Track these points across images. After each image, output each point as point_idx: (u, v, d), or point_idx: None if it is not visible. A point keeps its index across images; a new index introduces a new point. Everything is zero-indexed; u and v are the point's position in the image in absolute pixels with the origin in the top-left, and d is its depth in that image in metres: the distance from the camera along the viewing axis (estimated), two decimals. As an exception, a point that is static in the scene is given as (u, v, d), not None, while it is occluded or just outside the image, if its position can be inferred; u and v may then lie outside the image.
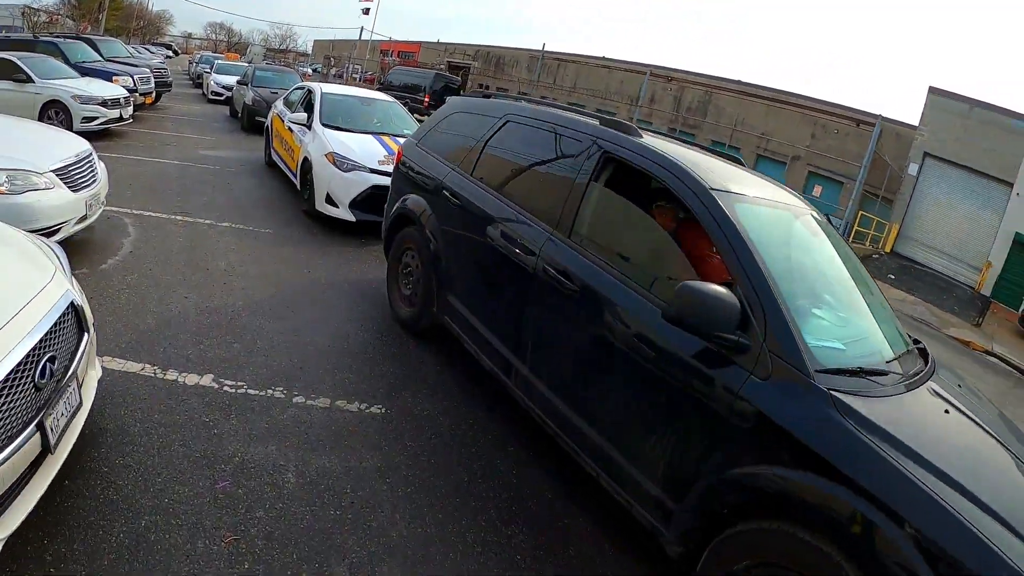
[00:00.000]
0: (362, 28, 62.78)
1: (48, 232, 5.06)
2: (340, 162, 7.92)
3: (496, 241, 4.17)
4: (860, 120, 28.79)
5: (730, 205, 3.20)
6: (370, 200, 7.84)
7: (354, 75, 58.28)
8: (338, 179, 7.86)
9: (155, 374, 3.98)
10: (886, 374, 2.93)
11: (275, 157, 11.10)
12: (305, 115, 9.31)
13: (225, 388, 3.97)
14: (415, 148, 5.57)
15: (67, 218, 5.35)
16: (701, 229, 3.56)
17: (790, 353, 2.63)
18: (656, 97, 37.88)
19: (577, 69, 43.53)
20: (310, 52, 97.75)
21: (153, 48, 51.89)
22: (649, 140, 3.80)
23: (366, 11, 60.11)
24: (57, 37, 17.63)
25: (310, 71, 56.62)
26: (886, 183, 26.67)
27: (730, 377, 2.72)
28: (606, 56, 42.51)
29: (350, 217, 7.87)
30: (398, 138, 8.97)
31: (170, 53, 62.09)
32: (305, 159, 8.68)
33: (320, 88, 10.00)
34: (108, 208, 6.66)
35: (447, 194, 4.76)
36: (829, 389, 2.53)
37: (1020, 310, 21.37)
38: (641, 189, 4.06)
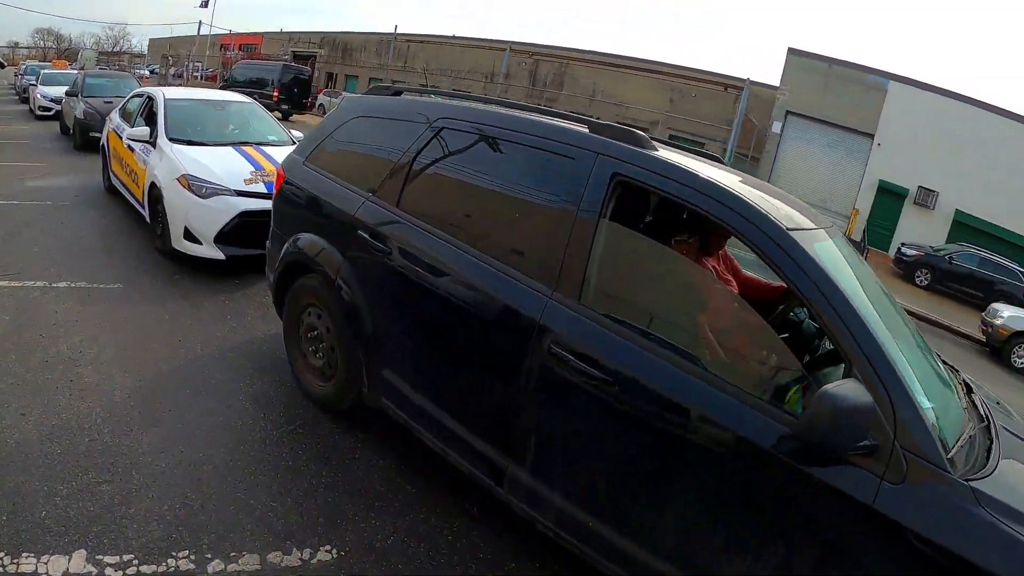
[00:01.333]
0: (200, 22, 57.87)
1: None
2: (197, 186, 6.38)
3: (457, 304, 3.12)
4: (728, 84, 29.57)
5: (814, 250, 2.51)
6: (240, 231, 6.37)
7: (195, 74, 54.00)
8: (197, 208, 6.33)
9: (2, 567, 2.64)
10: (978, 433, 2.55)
11: (116, 182, 9.11)
12: (147, 129, 7.59)
13: (107, 571, 2.66)
14: (302, 168, 4.25)
15: None
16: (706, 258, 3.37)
17: (925, 446, 2.10)
18: (511, 72, 37.54)
19: (428, 50, 42.30)
20: (147, 53, 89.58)
21: (-29, 63, 46.32)
22: (668, 155, 2.90)
23: (204, 3, 55.19)
24: None
25: (147, 73, 52.13)
26: (754, 143, 27.50)
27: (855, 487, 2.12)
28: (455, 35, 41.81)
29: (218, 255, 6.37)
30: (263, 147, 7.54)
31: None
32: (152, 185, 7.01)
33: (162, 94, 8.23)
34: None
35: (366, 236, 3.55)
36: (967, 481, 2.07)
37: (893, 253, 22.44)
38: (658, 219, 3.17)
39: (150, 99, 8.37)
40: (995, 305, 15.74)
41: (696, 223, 3.44)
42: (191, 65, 56.35)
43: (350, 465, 3.64)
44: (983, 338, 14.96)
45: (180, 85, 35.17)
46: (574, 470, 2.77)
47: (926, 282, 20.54)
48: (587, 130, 3.05)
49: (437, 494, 3.50)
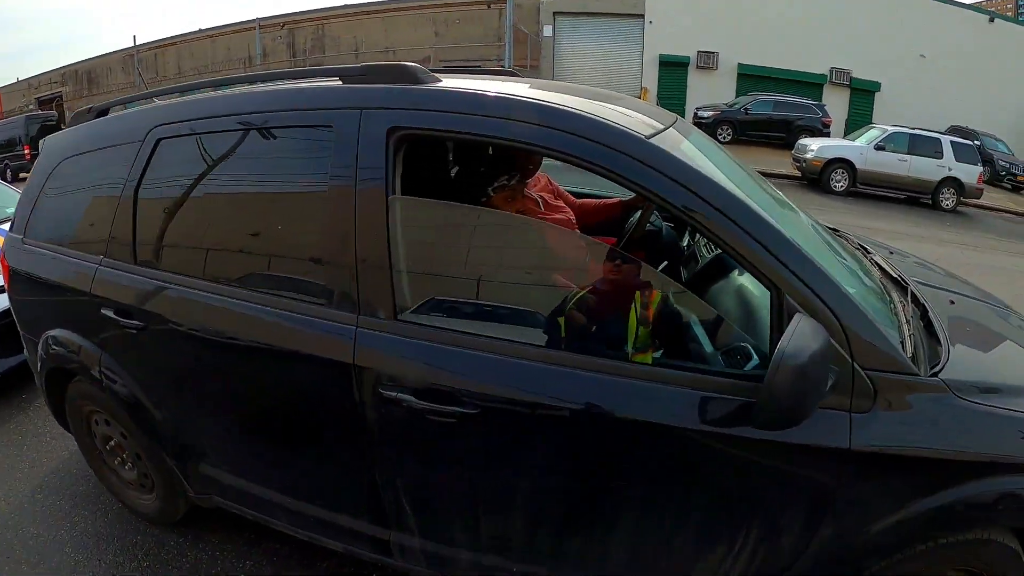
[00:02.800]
0: None
1: None
2: None
3: (246, 368, 2.42)
4: (490, 1, 29.10)
5: (690, 158, 2.00)
6: None
7: (-67, 162, 47.29)
8: None
9: None
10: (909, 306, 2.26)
11: None
12: None
13: None
14: (23, 249, 3.22)
15: None
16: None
17: (884, 354, 1.78)
18: (268, 50, 35.22)
19: (178, 52, 38.75)
20: None
21: None
22: (457, 83, 2.24)
23: None
24: None
25: None
26: (530, 52, 27.40)
27: (823, 435, 1.75)
28: (200, 28, 38.54)
29: None
30: (3, 226, 6.21)
31: None
32: None
33: None
34: None
35: (111, 314, 2.66)
36: (935, 375, 1.83)
37: (690, 119, 23.52)
38: (464, 168, 2.56)
39: None
40: (802, 141, 16.72)
41: (507, 156, 2.84)
42: (-73, 154, 49.34)
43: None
44: (799, 174, 15.76)
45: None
46: (472, 520, 2.20)
47: (729, 137, 21.52)
48: (340, 83, 2.27)
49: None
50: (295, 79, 2.56)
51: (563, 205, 3.25)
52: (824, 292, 1.76)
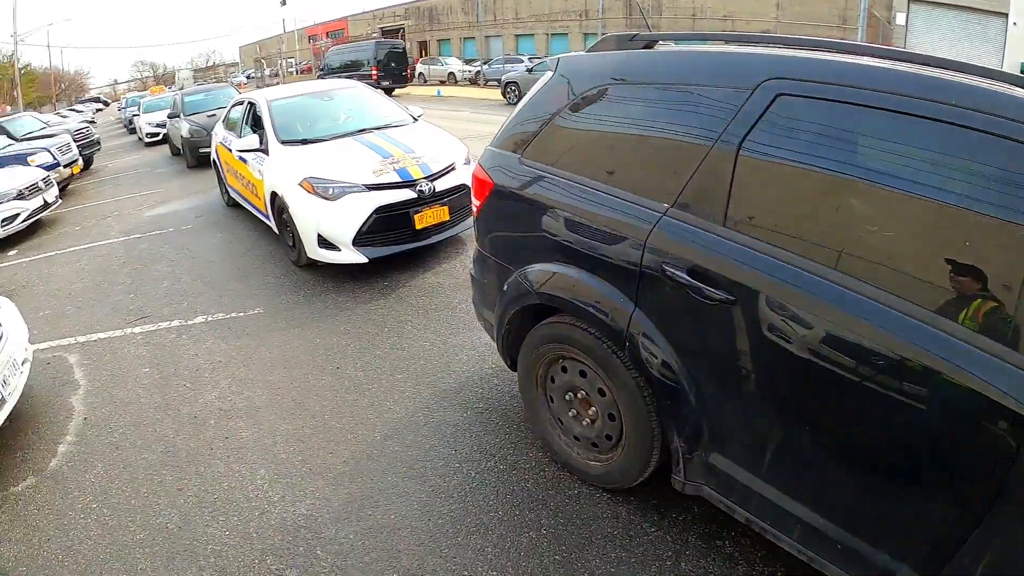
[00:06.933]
0: (284, 20, 58.38)
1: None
2: (323, 188, 5.54)
3: (858, 373, 1.89)
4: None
5: None
6: (378, 228, 5.49)
7: (290, 70, 55.05)
8: (328, 212, 5.48)
9: None
10: None
11: (236, 196, 8.46)
12: (255, 137, 6.78)
13: None
14: (522, 168, 3.00)
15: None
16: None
17: None
18: (605, 5, 35.42)
19: (518, -2, 40.36)
20: (239, 60, 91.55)
21: (80, 106, 49.76)
22: None
23: (284, 1, 55.58)
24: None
25: (245, 79, 53.69)
26: (881, 38, 25.21)
27: None
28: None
29: (359, 259, 5.52)
30: (386, 131, 6.59)
31: (100, 106, 60.25)
32: (274, 194, 6.23)
33: (264, 97, 7.35)
34: (40, 349, 4.90)
35: (682, 274, 2.25)
36: None
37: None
38: None
39: (252, 105, 7.62)
40: None
41: None
42: (284, 63, 57.30)
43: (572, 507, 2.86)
44: None
45: (277, 84, 35.47)
46: None
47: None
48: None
49: (682, 535, 2.68)
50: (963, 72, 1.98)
51: None
52: None
